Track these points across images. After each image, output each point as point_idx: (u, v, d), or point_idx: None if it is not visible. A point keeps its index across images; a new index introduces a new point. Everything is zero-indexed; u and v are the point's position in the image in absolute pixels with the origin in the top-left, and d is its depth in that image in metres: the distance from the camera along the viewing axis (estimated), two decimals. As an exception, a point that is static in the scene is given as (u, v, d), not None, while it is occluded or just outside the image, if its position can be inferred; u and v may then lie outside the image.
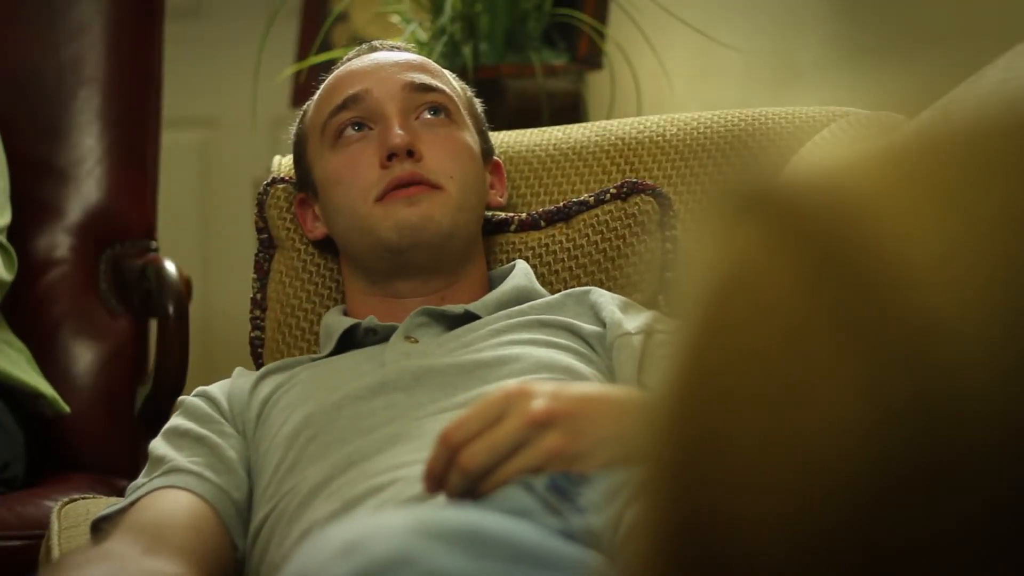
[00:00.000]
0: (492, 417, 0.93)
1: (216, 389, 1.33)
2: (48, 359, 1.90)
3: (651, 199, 1.46)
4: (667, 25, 2.27)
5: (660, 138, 1.53)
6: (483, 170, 1.43)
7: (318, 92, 1.46)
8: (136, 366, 1.97)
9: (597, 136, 1.56)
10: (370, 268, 1.39)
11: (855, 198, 0.39)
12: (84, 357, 1.94)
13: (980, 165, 0.39)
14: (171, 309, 1.90)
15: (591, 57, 2.35)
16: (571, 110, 2.28)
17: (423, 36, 2.28)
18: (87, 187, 1.99)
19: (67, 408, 1.86)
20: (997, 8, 1.73)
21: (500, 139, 1.61)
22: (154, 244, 2.02)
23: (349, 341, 1.36)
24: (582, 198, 1.49)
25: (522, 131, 1.63)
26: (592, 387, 1.03)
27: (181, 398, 1.34)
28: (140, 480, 1.25)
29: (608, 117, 1.95)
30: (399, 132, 1.35)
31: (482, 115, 1.49)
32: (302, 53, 2.80)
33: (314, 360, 1.36)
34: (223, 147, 3.47)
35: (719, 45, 2.20)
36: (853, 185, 0.40)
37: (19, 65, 2.00)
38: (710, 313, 0.41)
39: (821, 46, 2.12)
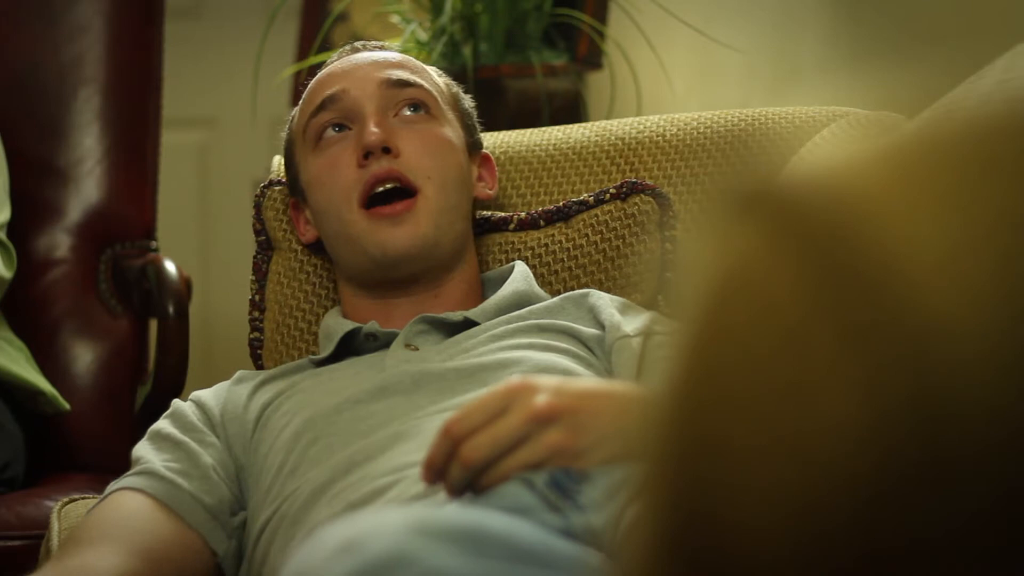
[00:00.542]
0: (495, 411, 0.93)
1: (211, 396, 1.34)
2: (48, 359, 1.90)
3: (651, 199, 1.46)
4: (667, 25, 2.27)
5: (660, 138, 1.53)
6: (467, 164, 1.43)
7: (303, 96, 1.46)
8: (136, 366, 1.97)
9: (597, 136, 1.56)
10: (357, 274, 1.40)
11: (855, 198, 0.39)
12: (84, 357, 1.94)
13: (980, 165, 0.39)
14: (171, 309, 1.90)
15: (591, 57, 2.35)
16: (571, 110, 2.27)
17: (423, 36, 2.28)
18: (87, 187, 1.99)
19: (67, 406, 1.86)
20: (997, 8, 1.73)
21: (500, 139, 1.61)
22: (154, 244, 2.02)
23: (349, 345, 1.36)
24: (582, 198, 1.49)
25: (522, 131, 1.63)
26: (595, 383, 1.03)
27: (175, 401, 1.35)
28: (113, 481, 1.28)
29: (608, 117, 1.95)
30: (374, 130, 1.35)
31: (469, 109, 1.48)
32: (302, 53, 2.80)
33: (313, 362, 1.37)
34: (223, 147, 3.47)
35: (719, 45, 2.20)
36: (853, 185, 0.40)
37: (19, 65, 2.00)
38: (710, 313, 0.41)
39: (821, 46, 2.12)
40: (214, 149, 3.49)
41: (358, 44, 1.49)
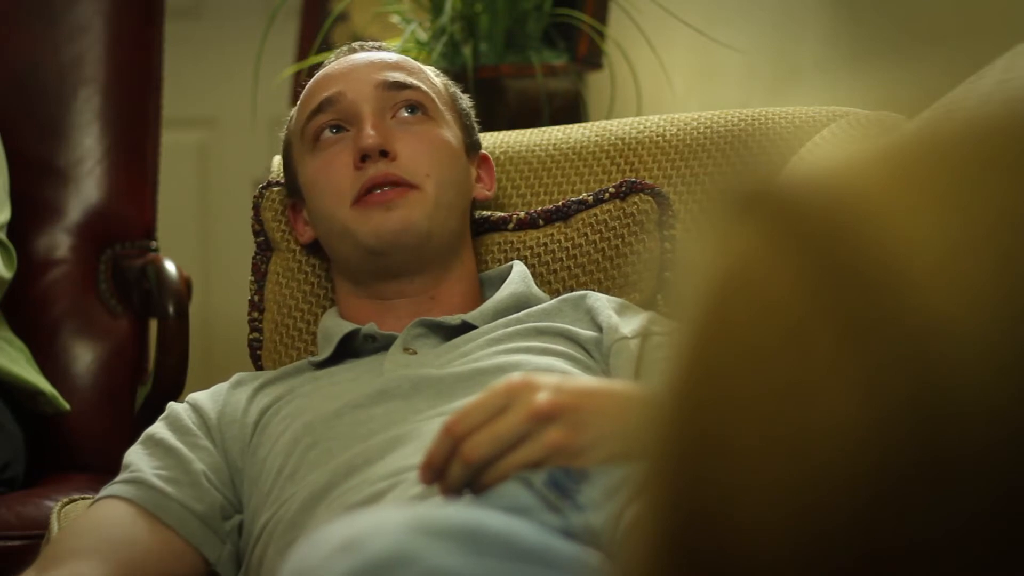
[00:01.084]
0: (496, 409, 0.93)
1: (207, 399, 1.34)
2: (48, 359, 1.90)
3: (650, 198, 1.46)
4: (667, 25, 2.27)
5: (660, 138, 1.53)
6: (466, 165, 1.43)
7: (301, 97, 1.46)
8: (136, 366, 1.97)
9: (597, 136, 1.56)
10: (355, 271, 1.40)
11: (855, 198, 0.39)
12: (84, 357, 1.94)
13: (980, 165, 0.39)
14: (171, 309, 1.90)
15: (591, 57, 2.35)
16: (571, 110, 2.27)
17: (423, 36, 2.28)
18: (87, 187, 1.99)
19: (67, 406, 1.86)
20: (997, 8, 1.73)
21: (500, 139, 1.61)
22: (154, 244, 2.02)
23: (348, 346, 1.36)
24: (581, 197, 1.49)
25: (522, 131, 1.63)
26: (596, 381, 1.03)
27: (170, 404, 1.35)
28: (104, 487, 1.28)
29: (608, 117, 1.95)
30: (370, 132, 1.35)
31: (467, 109, 1.48)
32: (302, 53, 2.80)
33: (312, 364, 1.37)
34: (223, 147, 3.47)
35: (719, 45, 2.20)
36: (853, 185, 0.40)
37: (19, 65, 2.00)
38: (710, 313, 0.41)
39: (821, 46, 2.12)
40: (214, 149, 3.49)
41: (356, 45, 1.49)
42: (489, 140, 1.59)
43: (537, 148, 1.58)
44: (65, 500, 1.38)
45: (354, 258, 1.38)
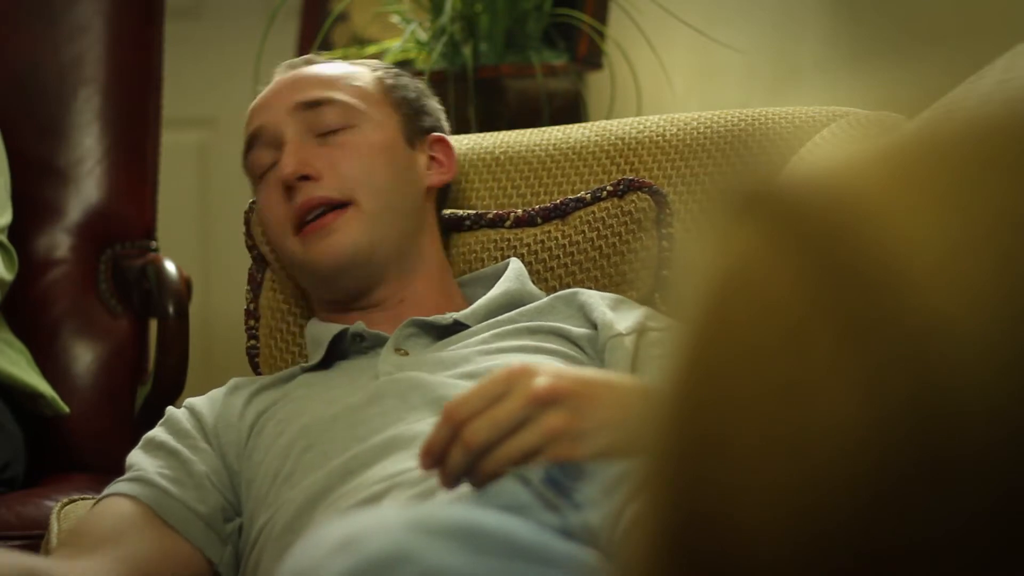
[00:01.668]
0: (496, 394, 0.93)
1: (204, 403, 1.34)
2: (48, 359, 1.90)
3: (648, 197, 1.46)
4: (667, 25, 2.27)
5: (660, 138, 1.53)
6: (407, 158, 1.40)
7: None
8: (136, 366, 1.97)
9: (597, 136, 1.56)
10: (319, 296, 1.41)
11: (855, 198, 0.39)
12: (84, 357, 1.94)
13: (980, 165, 0.39)
14: (171, 309, 1.90)
15: (591, 57, 2.35)
16: (571, 110, 2.27)
17: (423, 36, 2.28)
18: (87, 187, 1.99)
19: (66, 408, 1.86)
20: (997, 8, 1.73)
21: (500, 139, 1.61)
22: (154, 244, 2.02)
23: (338, 348, 1.36)
24: (579, 195, 1.49)
25: (522, 131, 1.63)
26: (593, 371, 1.02)
27: (169, 408, 1.35)
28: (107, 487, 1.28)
29: (608, 117, 1.95)
30: (286, 161, 1.34)
31: (411, 96, 1.44)
32: (302, 53, 2.79)
33: (305, 371, 1.36)
34: (223, 147, 3.46)
35: (719, 45, 2.20)
36: (853, 185, 0.40)
37: (19, 65, 2.00)
38: (710, 312, 0.41)
39: (821, 46, 2.12)
40: (214, 149, 3.49)
41: (285, 64, 1.46)
42: (489, 140, 1.59)
43: (537, 148, 1.58)
44: (65, 500, 1.38)
45: (311, 285, 1.40)
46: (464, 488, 0.94)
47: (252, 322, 1.53)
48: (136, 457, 1.30)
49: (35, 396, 1.83)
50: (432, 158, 1.44)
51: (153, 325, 1.97)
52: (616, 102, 2.31)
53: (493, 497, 0.88)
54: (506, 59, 2.25)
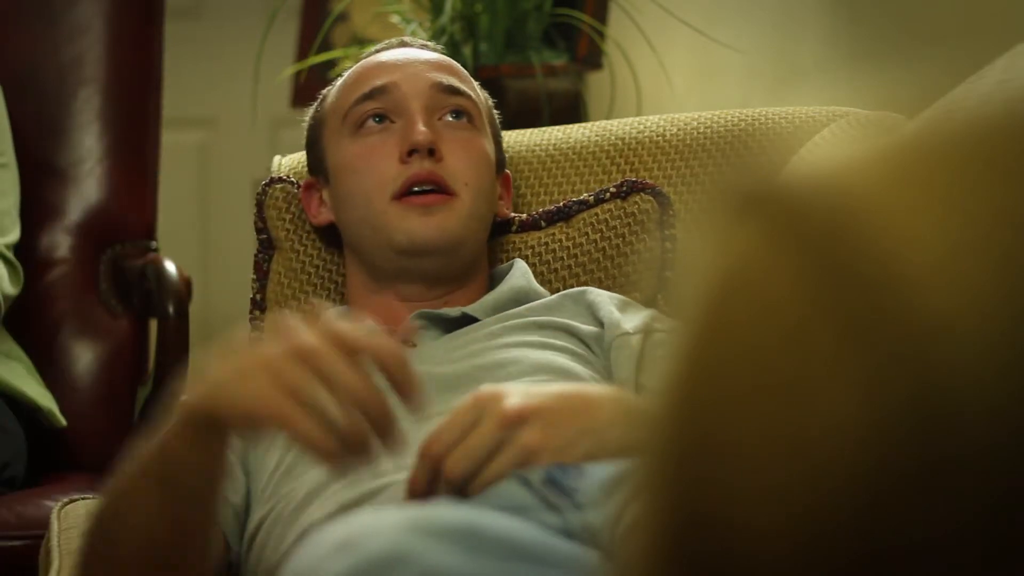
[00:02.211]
0: (467, 424, 0.95)
1: None
2: (48, 359, 1.90)
3: (650, 198, 1.46)
4: (667, 25, 2.27)
5: (660, 138, 1.53)
6: (495, 180, 1.43)
7: (342, 78, 1.45)
8: (136, 366, 1.97)
9: (597, 136, 1.56)
10: (375, 264, 1.38)
11: (855, 198, 0.39)
12: (84, 357, 1.94)
13: (980, 165, 0.39)
14: (171, 309, 1.90)
15: (591, 57, 2.35)
16: (571, 110, 2.27)
17: (423, 36, 2.28)
18: (87, 187, 1.99)
19: (63, 422, 1.86)
20: (997, 8, 1.73)
21: (500, 139, 1.61)
22: (154, 244, 2.02)
23: None
24: (582, 197, 1.49)
25: (522, 131, 1.63)
26: (564, 385, 1.04)
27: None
28: None
29: (608, 117, 1.95)
30: (423, 129, 1.34)
31: (499, 126, 1.48)
32: (302, 53, 2.80)
33: None
34: (223, 147, 3.47)
35: (719, 45, 2.20)
36: (853, 185, 0.40)
37: (19, 65, 2.00)
38: (710, 312, 0.41)
39: (821, 46, 2.12)
40: (214, 149, 3.49)
41: (406, 39, 1.48)
42: (489, 140, 1.59)
43: (537, 148, 1.58)
44: (65, 500, 1.38)
45: (380, 253, 1.37)
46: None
47: (258, 313, 1.50)
48: None
49: (33, 407, 1.84)
50: (501, 191, 1.47)
51: (153, 325, 1.97)
52: (616, 102, 2.31)
53: (493, 498, 0.89)
54: (506, 59, 2.25)
